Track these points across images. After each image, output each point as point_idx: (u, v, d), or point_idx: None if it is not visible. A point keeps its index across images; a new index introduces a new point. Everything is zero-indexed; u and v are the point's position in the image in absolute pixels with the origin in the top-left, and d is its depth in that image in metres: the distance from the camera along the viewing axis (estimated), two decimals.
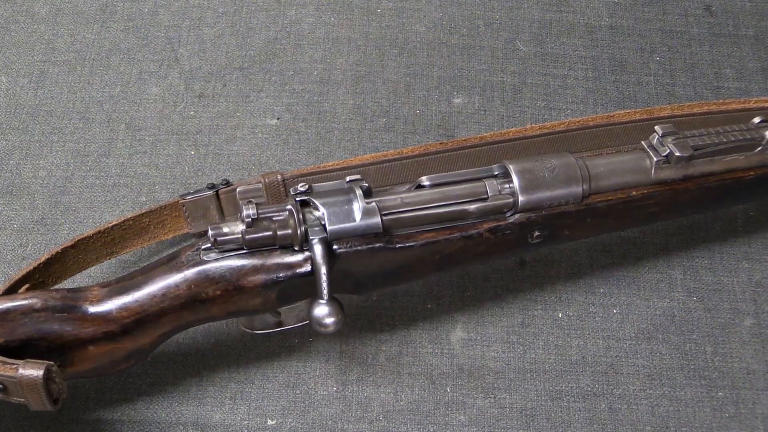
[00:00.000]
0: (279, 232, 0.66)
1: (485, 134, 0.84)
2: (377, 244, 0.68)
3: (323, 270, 0.64)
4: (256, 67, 0.94)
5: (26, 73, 0.93)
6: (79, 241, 0.75)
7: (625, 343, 0.81)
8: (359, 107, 0.92)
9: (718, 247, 0.86)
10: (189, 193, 0.80)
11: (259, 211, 0.66)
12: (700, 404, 0.79)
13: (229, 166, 0.88)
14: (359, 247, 0.67)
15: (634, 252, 0.86)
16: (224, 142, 0.89)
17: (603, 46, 0.97)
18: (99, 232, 0.76)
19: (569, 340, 0.81)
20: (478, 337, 0.81)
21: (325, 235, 0.66)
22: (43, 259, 0.73)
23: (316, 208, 0.67)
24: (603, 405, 0.78)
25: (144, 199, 0.86)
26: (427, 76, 0.94)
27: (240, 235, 0.66)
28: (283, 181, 0.81)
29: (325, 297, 0.65)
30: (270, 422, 0.77)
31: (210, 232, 0.66)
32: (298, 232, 0.66)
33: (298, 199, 0.67)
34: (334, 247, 0.67)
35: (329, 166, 0.82)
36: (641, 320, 0.82)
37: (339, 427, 0.76)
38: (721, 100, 0.88)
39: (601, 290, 0.84)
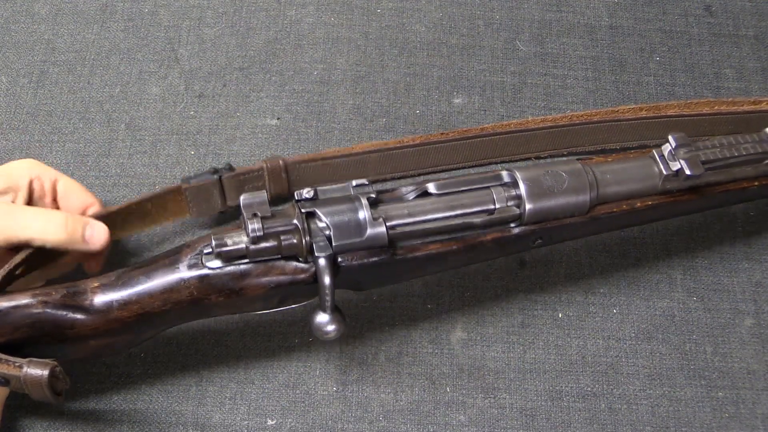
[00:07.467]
0: (284, 244, 0.65)
1: (486, 125, 0.84)
2: (382, 257, 0.67)
3: (327, 283, 0.64)
4: (256, 67, 0.94)
5: (26, 73, 0.93)
6: None
7: (625, 343, 0.81)
8: (359, 107, 0.92)
9: (718, 247, 0.86)
10: (191, 177, 0.80)
11: (265, 226, 0.65)
12: (700, 404, 0.79)
13: None
14: (364, 261, 0.67)
15: (634, 252, 0.86)
16: (224, 142, 0.89)
17: (603, 46, 0.97)
18: (101, 216, 0.75)
19: (569, 340, 0.81)
20: (478, 337, 0.81)
21: (330, 251, 0.65)
22: None
23: (321, 220, 0.66)
24: (603, 405, 0.78)
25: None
26: (427, 76, 0.94)
27: (244, 247, 0.65)
28: (285, 166, 0.81)
29: (329, 309, 0.65)
30: (270, 422, 0.77)
31: (213, 243, 0.65)
32: (303, 243, 0.65)
33: (303, 210, 0.67)
34: (339, 259, 0.66)
35: (331, 153, 0.82)
36: (641, 320, 0.82)
37: (339, 427, 0.76)
38: (730, 99, 0.87)
39: (601, 290, 0.84)
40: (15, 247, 0.70)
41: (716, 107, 0.85)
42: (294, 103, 0.92)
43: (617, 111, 0.85)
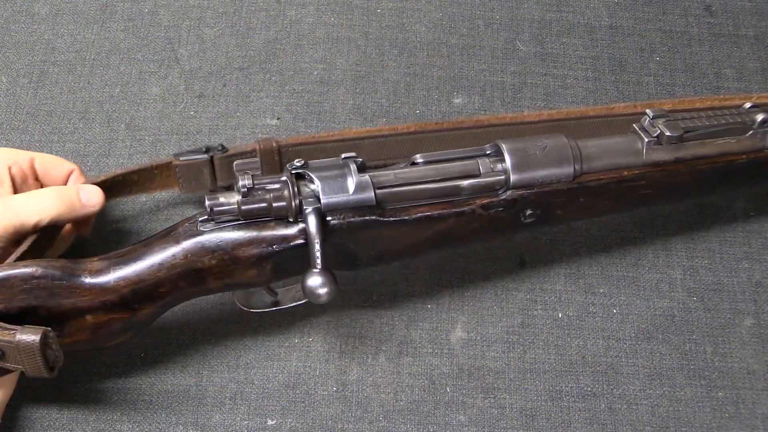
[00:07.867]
0: (274, 204, 0.67)
1: (481, 117, 0.84)
2: (370, 217, 0.69)
3: (316, 240, 0.65)
4: (256, 67, 0.94)
5: (26, 73, 0.93)
6: None
7: (625, 343, 0.81)
8: (359, 107, 0.92)
9: (718, 247, 0.86)
10: (183, 153, 0.80)
11: (255, 182, 0.67)
12: (700, 404, 0.79)
13: None
14: (352, 219, 0.68)
15: (634, 252, 0.86)
16: (224, 142, 0.89)
17: (603, 46, 0.97)
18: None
19: (569, 340, 0.81)
20: (478, 337, 0.81)
21: (319, 206, 0.67)
22: None
23: (311, 181, 0.68)
24: (603, 405, 0.78)
25: (144, 199, 0.86)
26: (427, 76, 0.94)
27: (236, 206, 0.67)
28: (279, 148, 0.81)
29: (319, 267, 0.66)
30: (270, 422, 0.77)
31: (207, 202, 0.67)
32: (293, 203, 0.67)
33: (293, 172, 0.68)
34: (328, 218, 0.68)
35: (324, 136, 0.82)
36: (641, 320, 0.82)
37: (339, 427, 0.76)
38: (722, 96, 0.88)
39: (601, 290, 0.84)
40: (18, 240, 0.70)
41: (708, 103, 0.86)
42: (294, 103, 0.92)
43: (612, 109, 0.85)
